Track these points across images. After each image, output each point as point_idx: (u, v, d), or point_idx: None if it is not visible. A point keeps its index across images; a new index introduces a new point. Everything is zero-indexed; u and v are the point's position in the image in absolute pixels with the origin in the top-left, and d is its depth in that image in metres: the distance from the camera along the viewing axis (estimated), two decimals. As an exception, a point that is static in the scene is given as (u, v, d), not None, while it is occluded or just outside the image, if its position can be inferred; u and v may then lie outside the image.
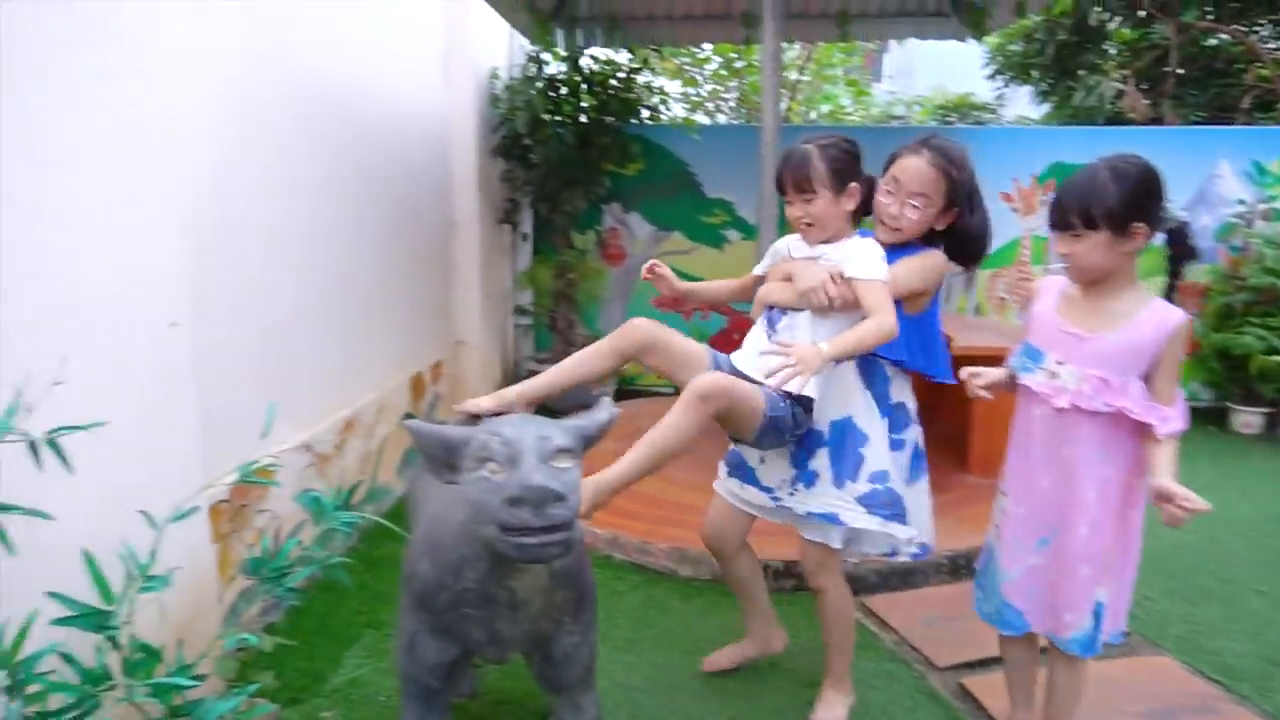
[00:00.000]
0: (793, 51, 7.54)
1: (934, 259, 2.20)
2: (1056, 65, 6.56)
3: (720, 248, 6.00)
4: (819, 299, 2.03)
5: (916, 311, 2.20)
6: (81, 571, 1.56)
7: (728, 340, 5.63)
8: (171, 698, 1.50)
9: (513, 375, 5.97)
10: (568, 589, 1.61)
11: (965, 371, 2.07)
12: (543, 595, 1.53)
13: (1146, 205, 1.77)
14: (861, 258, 2.07)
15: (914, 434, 2.28)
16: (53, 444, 1.53)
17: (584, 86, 5.48)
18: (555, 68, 5.51)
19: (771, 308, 2.20)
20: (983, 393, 2.02)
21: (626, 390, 5.97)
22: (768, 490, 2.28)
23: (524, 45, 5.43)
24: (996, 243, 6.10)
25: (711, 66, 7.09)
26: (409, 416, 4.54)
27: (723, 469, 2.47)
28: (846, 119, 8.62)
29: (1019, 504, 2.00)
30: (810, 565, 2.29)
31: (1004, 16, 5.17)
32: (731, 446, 2.41)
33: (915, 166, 2.13)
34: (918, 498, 2.28)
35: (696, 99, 7.25)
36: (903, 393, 2.26)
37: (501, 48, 5.50)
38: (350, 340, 3.59)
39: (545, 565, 1.48)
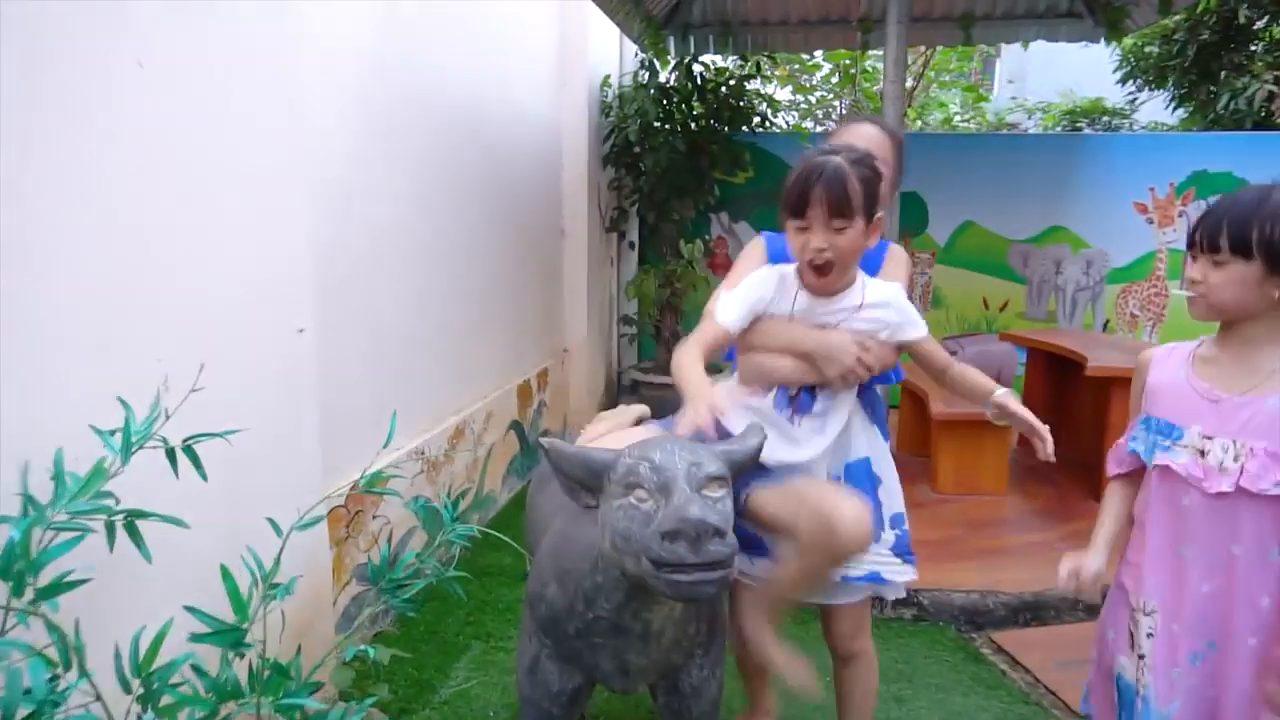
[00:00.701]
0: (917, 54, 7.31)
1: (902, 251, 1.99)
2: (1197, 67, 6.14)
3: (831, 258, 5.83)
4: (857, 379, 1.68)
5: None
6: (208, 578, 1.57)
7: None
8: (296, 714, 1.48)
9: (616, 384, 5.94)
10: (701, 620, 1.52)
11: (1065, 570, 1.67)
12: (676, 627, 1.45)
13: None
14: (906, 313, 1.74)
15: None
16: (189, 451, 1.54)
17: (695, 94, 5.42)
18: (667, 75, 5.45)
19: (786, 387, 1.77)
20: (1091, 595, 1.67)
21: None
22: None
23: (637, 52, 5.39)
24: (1130, 255, 5.78)
25: (823, 72, 6.92)
26: (544, 434, 4.54)
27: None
28: (962, 127, 8.32)
29: (1172, 619, 1.59)
30: (849, 629, 1.92)
31: (1145, 16, 4.85)
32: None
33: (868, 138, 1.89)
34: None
35: (805, 107, 7.10)
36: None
37: (614, 55, 5.49)
38: (461, 347, 3.61)
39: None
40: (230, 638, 1.30)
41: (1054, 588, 2.81)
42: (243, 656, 1.43)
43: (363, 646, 1.90)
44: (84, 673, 1.27)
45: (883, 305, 1.74)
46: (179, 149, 1.74)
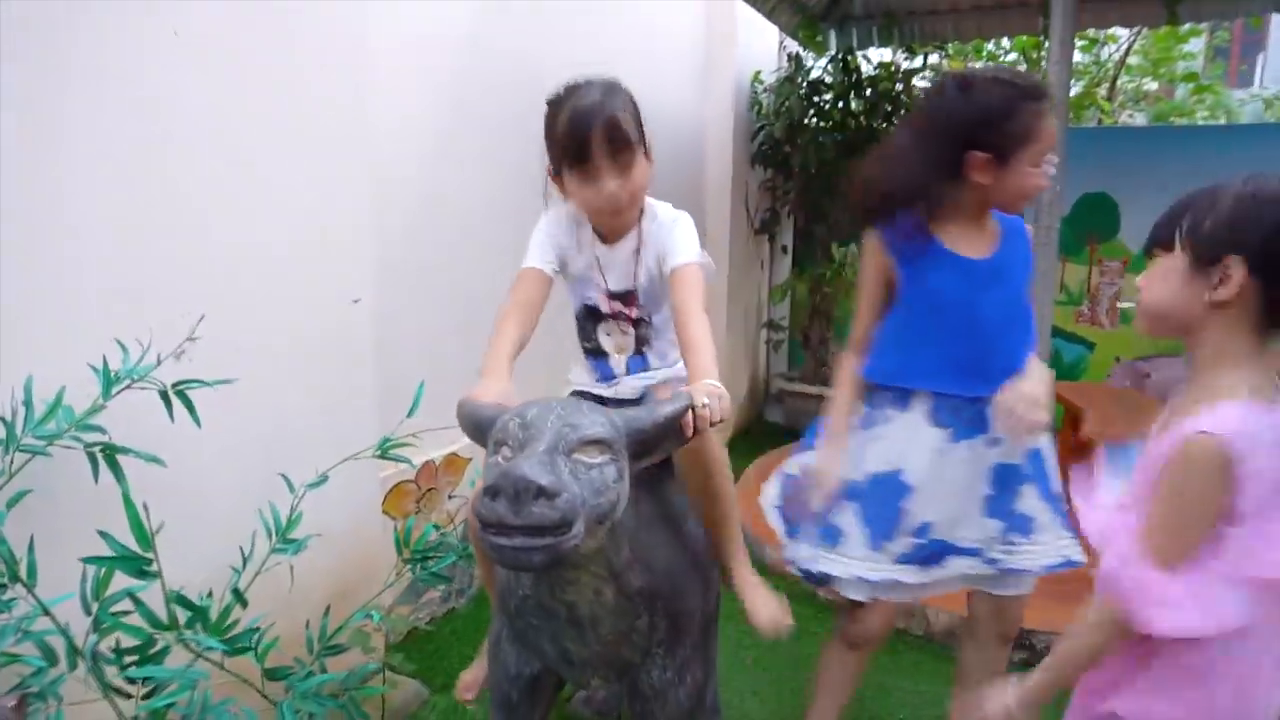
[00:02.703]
0: (1121, 39, 6.58)
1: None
2: None
3: (1003, 265, 5.33)
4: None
5: None
6: (243, 532, 1.65)
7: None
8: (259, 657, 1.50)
9: (763, 392, 5.74)
10: (654, 615, 1.37)
11: None
12: (614, 616, 1.31)
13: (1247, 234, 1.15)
14: (676, 235, 1.68)
15: None
16: (181, 394, 1.60)
17: (852, 90, 5.14)
18: (822, 71, 5.22)
19: None
20: None
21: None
22: (973, 553, 1.78)
23: (789, 46, 5.21)
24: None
25: (1009, 59, 6.37)
26: None
27: (896, 571, 1.78)
28: (1176, 122, 7.38)
29: None
30: (1016, 619, 1.92)
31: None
32: (913, 539, 1.79)
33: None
34: None
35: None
36: None
37: (770, 49, 5.32)
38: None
39: (611, 582, 1.26)
40: (132, 565, 1.32)
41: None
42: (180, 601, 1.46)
43: (371, 612, 1.91)
44: (29, 586, 1.35)
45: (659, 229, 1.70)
46: (232, 117, 1.83)
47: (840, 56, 5.19)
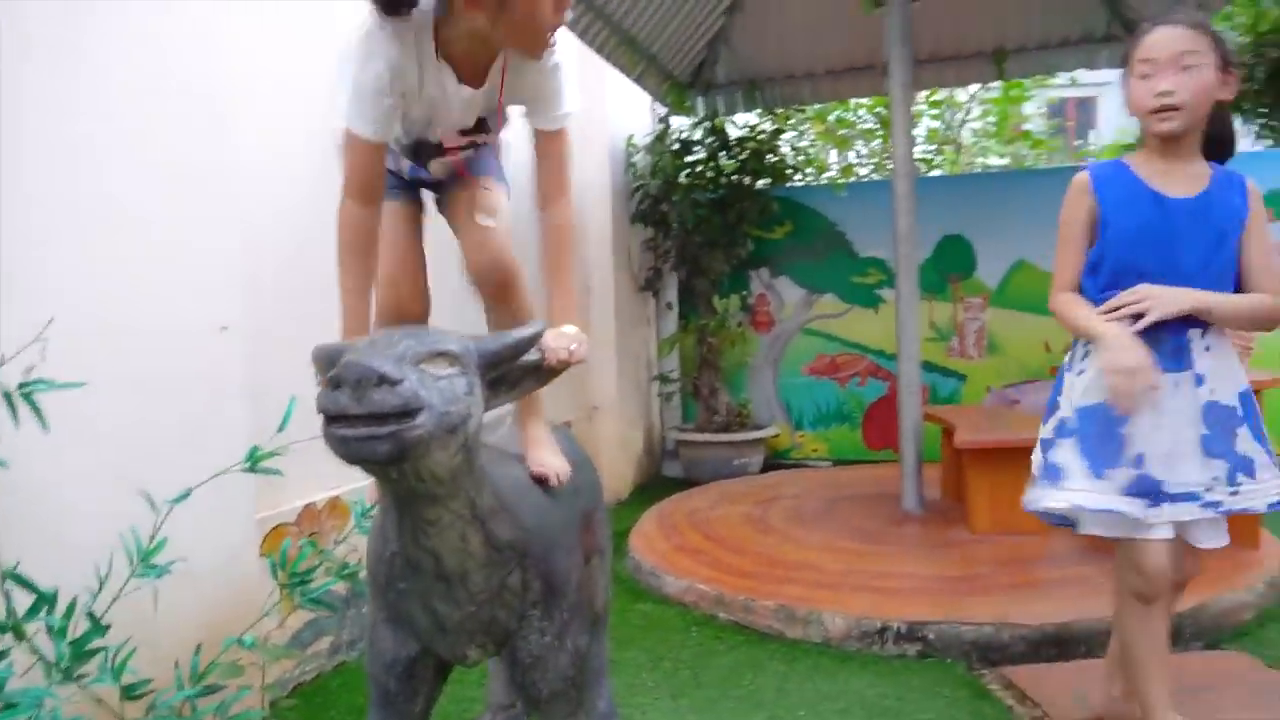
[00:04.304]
0: (963, 95, 7.18)
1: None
2: (1271, 91, 5.75)
3: (875, 308, 5.61)
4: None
5: None
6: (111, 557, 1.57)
7: (888, 409, 5.17)
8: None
9: (660, 446, 5.79)
10: (525, 572, 1.36)
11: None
12: (483, 571, 1.30)
13: None
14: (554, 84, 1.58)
15: None
16: (28, 398, 1.53)
17: (722, 151, 5.42)
18: (691, 131, 5.49)
19: None
20: None
21: (775, 464, 5.61)
22: (1193, 497, 1.75)
23: (659, 109, 5.47)
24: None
25: (867, 124, 6.85)
26: None
27: (1135, 503, 1.77)
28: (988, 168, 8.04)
29: None
30: (1199, 568, 1.92)
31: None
32: (1132, 469, 1.77)
33: (1165, 33, 1.73)
34: None
35: (847, 164, 7.02)
36: None
37: (642, 114, 5.56)
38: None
39: (477, 527, 1.25)
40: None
41: (1083, 617, 2.53)
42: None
43: (243, 639, 1.82)
44: None
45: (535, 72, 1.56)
46: (91, 137, 1.82)
47: (708, 119, 5.48)
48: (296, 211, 2.69)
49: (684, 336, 5.62)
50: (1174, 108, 1.70)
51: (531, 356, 1.31)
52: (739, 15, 5.23)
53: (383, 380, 0.99)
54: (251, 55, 2.48)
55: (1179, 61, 1.69)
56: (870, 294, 5.63)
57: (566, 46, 1.63)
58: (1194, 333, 1.77)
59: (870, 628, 2.69)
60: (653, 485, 5.35)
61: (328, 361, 1.22)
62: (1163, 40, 1.72)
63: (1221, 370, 1.78)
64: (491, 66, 1.57)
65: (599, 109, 5.02)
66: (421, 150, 1.69)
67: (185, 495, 1.76)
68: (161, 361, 1.99)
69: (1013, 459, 3.45)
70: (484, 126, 1.68)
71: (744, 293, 5.82)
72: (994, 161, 8.00)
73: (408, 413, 1.02)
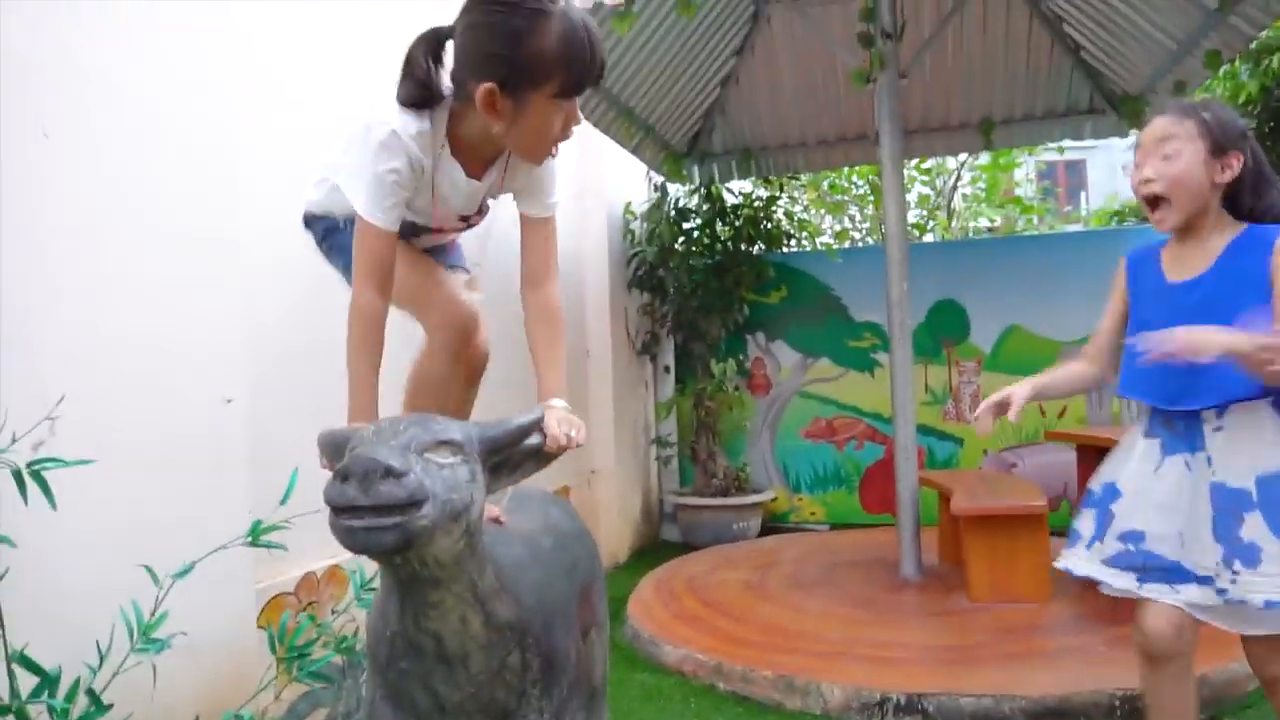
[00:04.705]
0: (953, 162, 7.36)
1: None
2: (1252, 159, 5.90)
3: (870, 371, 5.66)
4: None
5: None
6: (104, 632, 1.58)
7: (885, 472, 5.17)
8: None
9: (658, 510, 5.78)
10: (525, 651, 1.37)
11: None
12: (483, 652, 1.31)
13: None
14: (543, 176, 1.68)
15: None
16: (36, 475, 1.55)
17: (718, 218, 5.53)
18: (688, 199, 5.61)
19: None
20: None
21: (773, 527, 5.60)
22: (1207, 581, 1.72)
23: (656, 177, 5.59)
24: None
25: (861, 189, 7.00)
26: None
27: (1129, 579, 1.81)
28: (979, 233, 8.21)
29: None
30: (1260, 654, 1.78)
31: (1162, 104, 4.75)
32: (1121, 543, 1.83)
33: (1153, 121, 1.79)
34: None
35: (840, 229, 7.15)
36: None
37: (639, 181, 5.68)
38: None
39: (478, 609, 1.27)
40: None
41: (1084, 689, 2.52)
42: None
43: (241, 713, 1.82)
44: None
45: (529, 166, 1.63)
46: (100, 212, 1.87)
47: (704, 187, 5.60)
48: (300, 283, 2.74)
49: (681, 400, 5.66)
50: (1158, 196, 1.73)
51: (533, 440, 1.34)
52: (734, 87, 5.40)
53: (389, 473, 1.03)
54: (260, 130, 2.56)
55: (1160, 150, 1.72)
56: (866, 358, 5.69)
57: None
58: (1208, 414, 1.74)
59: (870, 699, 2.67)
60: (651, 549, 5.33)
61: (333, 447, 1.25)
62: (1148, 129, 1.78)
63: (1233, 452, 1.72)
64: (495, 161, 1.65)
65: (597, 178, 5.13)
66: (414, 230, 1.76)
67: (188, 570, 1.78)
68: (166, 434, 2.02)
69: (1010, 526, 3.49)
70: (480, 210, 1.76)
71: (741, 356, 5.87)
72: (986, 223, 8.17)
73: (413, 503, 1.05)
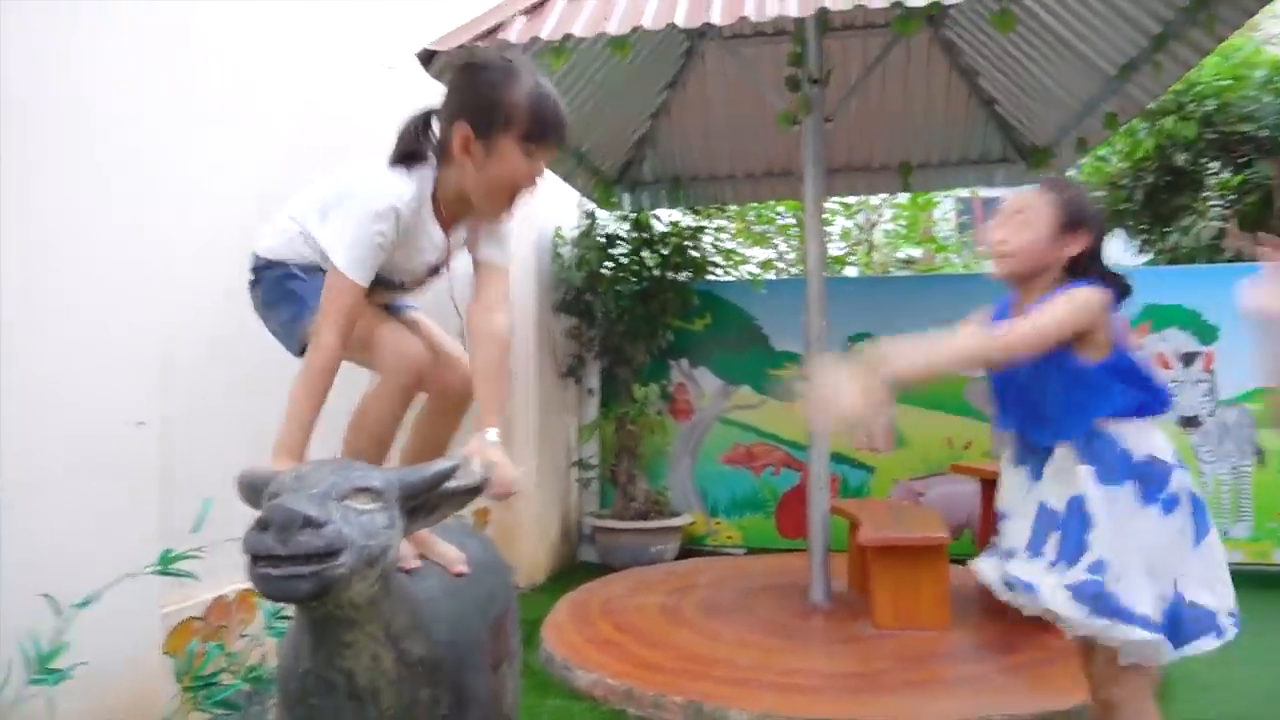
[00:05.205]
0: (876, 199, 7.64)
1: (1082, 293, 1.85)
2: (1149, 210, 6.29)
3: (790, 401, 5.82)
4: None
5: (1102, 355, 1.86)
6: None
7: (800, 499, 5.32)
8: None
9: (577, 531, 5.81)
10: (436, 687, 1.40)
11: None
12: (394, 688, 1.34)
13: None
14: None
15: (1183, 481, 1.86)
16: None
17: (646, 245, 5.62)
18: (617, 226, 5.70)
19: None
20: None
21: (691, 550, 5.68)
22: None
23: (586, 204, 5.66)
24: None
25: (787, 220, 7.22)
26: None
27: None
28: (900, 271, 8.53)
29: None
30: (1098, 677, 1.90)
31: (1068, 156, 5.06)
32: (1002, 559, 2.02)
33: (1018, 192, 2.01)
34: (1210, 556, 1.87)
35: (766, 259, 7.34)
36: (1148, 441, 1.88)
37: (569, 207, 5.74)
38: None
39: (390, 647, 1.30)
40: None
41: (980, 715, 2.65)
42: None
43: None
44: None
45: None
46: (10, 223, 1.84)
47: (634, 215, 5.70)
48: (215, 307, 2.72)
49: (604, 423, 5.71)
50: (1005, 255, 1.92)
51: (463, 481, 1.37)
52: (665, 119, 5.52)
53: (308, 523, 1.06)
54: (171, 153, 2.53)
55: (1018, 217, 1.91)
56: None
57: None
58: (1054, 448, 1.92)
59: (775, 726, 2.76)
60: (569, 571, 5.36)
61: (250, 490, 1.27)
62: (1013, 197, 2.00)
63: (1056, 479, 1.90)
64: (463, 218, 1.77)
65: (528, 202, 5.16)
66: (387, 285, 1.80)
67: (91, 600, 1.76)
68: (74, 458, 1.98)
69: (914, 556, 3.64)
70: (446, 263, 1.84)
71: (664, 382, 5.96)
72: (907, 254, 8.50)
73: (331, 553, 1.08)
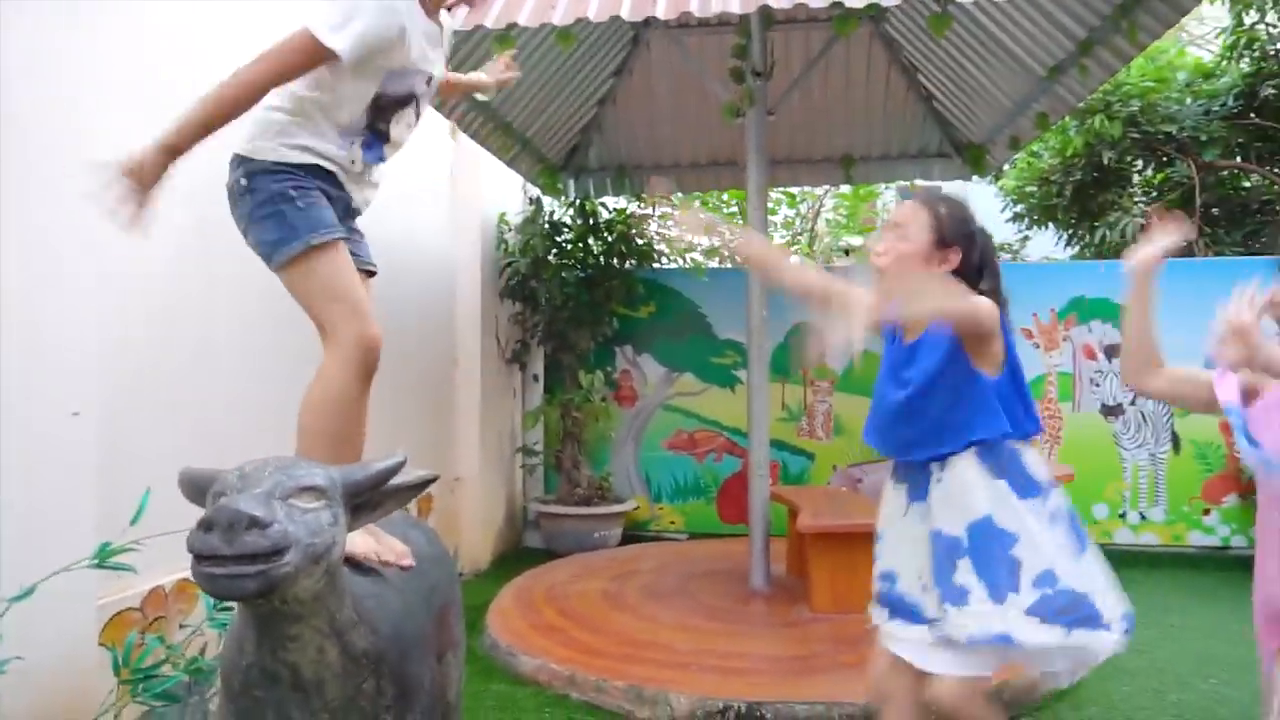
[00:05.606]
0: (820, 191, 7.75)
1: (985, 302, 1.89)
2: (1076, 205, 6.52)
3: (732, 388, 5.90)
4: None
5: (995, 373, 1.90)
6: None
7: (742, 485, 5.42)
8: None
9: (521, 517, 5.84)
10: (380, 678, 1.43)
11: None
12: (339, 681, 1.36)
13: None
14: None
15: (1060, 499, 1.91)
16: None
17: (590, 232, 5.64)
18: (562, 212, 5.70)
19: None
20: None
21: (634, 535, 5.75)
22: (929, 622, 1.89)
23: (532, 190, 5.65)
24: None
25: (731, 209, 7.29)
26: None
27: (884, 615, 2.01)
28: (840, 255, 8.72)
29: None
30: (950, 701, 1.84)
31: (1001, 154, 5.21)
32: (880, 583, 2.02)
33: (902, 204, 2.05)
34: (1092, 568, 1.88)
35: (710, 247, 7.40)
36: (1033, 460, 1.93)
37: (514, 191, 5.73)
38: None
39: (334, 640, 1.32)
40: None
41: None
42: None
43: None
44: None
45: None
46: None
47: (579, 202, 5.70)
48: (161, 291, 2.68)
49: (549, 409, 5.74)
50: (881, 265, 1.96)
51: (407, 478, 1.39)
52: (611, 106, 5.53)
53: (254, 523, 1.07)
54: (115, 133, 2.48)
55: (897, 230, 1.96)
56: (728, 374, 5.93)
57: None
58: (933, 466, 1.92)
59: (713, 707, 2.83)
60: (513, 556, 5.39)
61: (193, 488, 1.28)
62: (895, 210, 2.07)
63: (948, 503, 1.88)
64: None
65: (472, 186, 5.15)
66: (382, 113, 1.82)
67: (27, 593, 1.74)
68: (7, 446, 1.95)
69: (851, 542, 3.74)
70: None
71: (609, 368, 6.00)
72: (847, 244, 8.67)
73: (276, 552, 1.10)
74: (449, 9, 1.94)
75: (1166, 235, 1.73)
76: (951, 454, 1.89)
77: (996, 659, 1.85)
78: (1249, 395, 1.68)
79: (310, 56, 1.64)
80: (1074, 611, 1.77)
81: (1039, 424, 1.96)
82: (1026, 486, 1.88)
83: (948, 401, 1.88)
